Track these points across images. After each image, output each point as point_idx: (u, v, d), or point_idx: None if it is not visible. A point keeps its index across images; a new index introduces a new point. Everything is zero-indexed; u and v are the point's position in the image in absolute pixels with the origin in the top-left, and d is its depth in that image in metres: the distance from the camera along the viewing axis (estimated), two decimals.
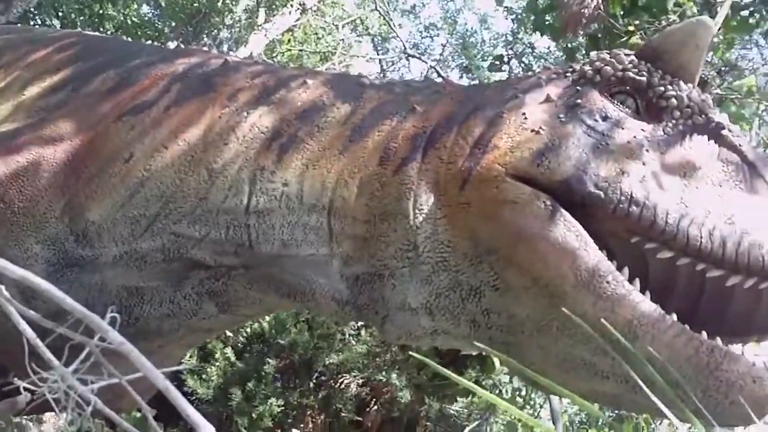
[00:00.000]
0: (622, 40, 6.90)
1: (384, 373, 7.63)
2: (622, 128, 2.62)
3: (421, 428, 7.97)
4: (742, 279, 2.42)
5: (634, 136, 2.60)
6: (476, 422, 8.34)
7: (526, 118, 2.66)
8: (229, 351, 7.42)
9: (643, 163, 2.53)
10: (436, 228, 2.63)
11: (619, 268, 2.48)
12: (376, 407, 7.80)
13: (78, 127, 3.02)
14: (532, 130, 2.61)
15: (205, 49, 3.53)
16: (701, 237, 2.40)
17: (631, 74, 2.73)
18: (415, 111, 2.87)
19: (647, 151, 2.57)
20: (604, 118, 2.64)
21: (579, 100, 2.68)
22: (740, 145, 2.67)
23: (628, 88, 2.73)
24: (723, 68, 8.33)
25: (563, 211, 2.49)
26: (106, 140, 2.97)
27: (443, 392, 7.76)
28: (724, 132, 2.67)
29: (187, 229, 2.86)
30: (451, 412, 8.01)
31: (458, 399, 7.93)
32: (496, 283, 2.57)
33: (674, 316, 2.42)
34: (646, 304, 2.42)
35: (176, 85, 3.12)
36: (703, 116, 2.69)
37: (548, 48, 14.23)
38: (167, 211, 2.87)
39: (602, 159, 2.53)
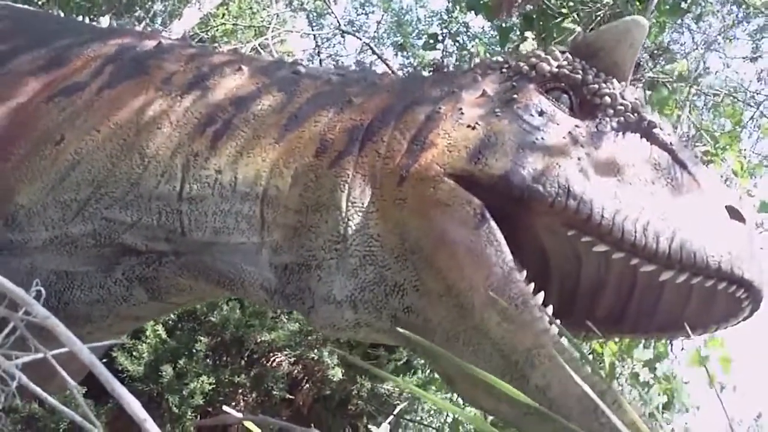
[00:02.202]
0: (556, 21, 6.95)
1: (316, 351, 7.62)
2: (557, 124, 2.67)
3: (353, 407, 7.99)
4: (675, 274, 2.47)
5: (569, 132, 2.64)
6: (407, 401, 8.38)
7: (462, 114, 2.68)
8: (160, 328, 7.35)
9: (578, 159, 2.57)
10: (367, 222, 2.63)
11: (552, 269, 2.50)
12: (307, 385, 7.79)
13: (6, 106, 2.95)
14: (469, 126, 2.63)
15: (138, 28, 3.46)
16: (635, 232, 2.44)
17: (565, 71, 2.77)
18: (352, 103, 2.86)
19: (581, 147, 2.61)
20: (540, 114, 2.68)
21: (515, 96, 2.72)
22: (671, 143, 2.73)
23: (562, 84, 2.77)
24: (655, 51, 8.45)
25: (491, 223, 2.51)
26: (36, 122, 2.92)
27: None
28: (656, 131, 2.74)
29: (119, 214, 2.82)
30: (383, 391, 8.04)
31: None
32: (417, 284, 2.59)
33: (575, 352, 2.44)
34: (548, 335, 2.44)
35: (109, 66, 3.06)
36: (636, 114, 2.75)
37: (483, 27, 14.26)
38: (98, 195, 2.82)
39: (538, 154, 2.56)
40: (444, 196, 2.54)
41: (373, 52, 12.22)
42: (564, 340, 2.43)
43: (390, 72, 9.03)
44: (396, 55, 14.02)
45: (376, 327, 2.77)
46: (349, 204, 2.64)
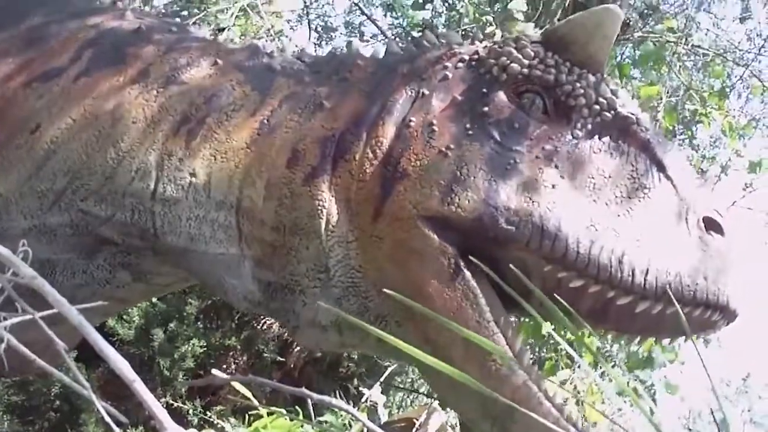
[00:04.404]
0: None
1: None
2: (531, 139, 2.61)
3: (344, 369, 8.03)
4: (651, 305, 2.46)
5: (543, 148, 2.59)
6: (397, 363, 8.42)
7: (433, 131, 2.63)
8: None
9: (553, 186, 2.53)
10: (348, 252, 2.62)
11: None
12: (298, 348, 7.83)
13: None
14: (440, 151, 2.58)
15: (120, 3, 3.34)
16: (611, 266, 2.43)
17: (537, 72, 2.69)
18: (323, 107, 2.79)
19: (556, 167, 2.57)
20: (512, 129, 2.61)
21: (486, 108, 2.65)
22: (649, 140, 2.67)
23: (535, 86, 2.69)
24: (645, 11, 8.41)
25: (466, 274, 2.50)
26: (13, 108, 2.89)
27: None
28: (633, 127, 2.67)
29: (94, 207, 2.80)
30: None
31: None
32: (399, 320, 2.60)
33: (552, 406, 2.46)
34: (526, 387, 2.45)
35: (87, 51, 3.01)
36: (612, 112, 2.68)
37: None
38: (74, 186, 2.80)
39: (512, 184, 2.53)
40: (418, 245, 2.52)
41: (362, 12, 12.13)
42: (541, 393, 2.46)
43: (379, 32, 8.96)
44: (385, 15, 13.87)
45: (362, 347, 2.83)
46: (329, 233, 2.61)
